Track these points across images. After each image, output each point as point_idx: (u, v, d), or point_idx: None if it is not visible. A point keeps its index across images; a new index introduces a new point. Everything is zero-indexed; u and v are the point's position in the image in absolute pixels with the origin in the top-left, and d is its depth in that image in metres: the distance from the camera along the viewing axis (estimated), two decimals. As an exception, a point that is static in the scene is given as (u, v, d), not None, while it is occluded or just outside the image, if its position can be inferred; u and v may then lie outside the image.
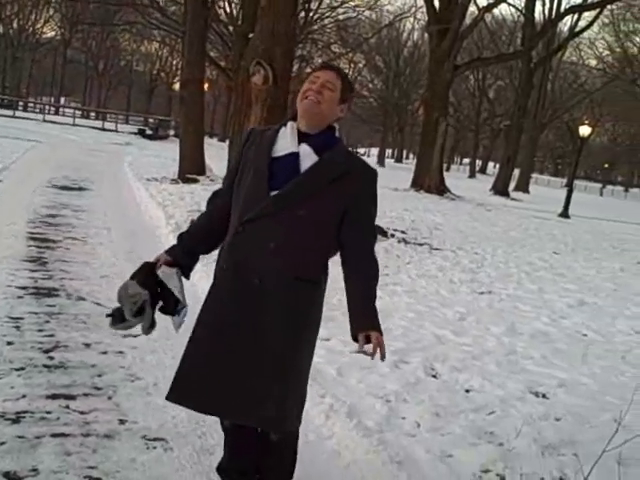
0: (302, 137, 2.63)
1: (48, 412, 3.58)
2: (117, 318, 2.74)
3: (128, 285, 2.71)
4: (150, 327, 2.76)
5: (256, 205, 2.57)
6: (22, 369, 4.07)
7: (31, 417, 3.50)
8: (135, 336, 4.39)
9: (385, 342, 2.47)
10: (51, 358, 4.32)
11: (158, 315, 2.80)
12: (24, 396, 3.72)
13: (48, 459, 3.12)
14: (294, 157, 2.59)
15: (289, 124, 2.69)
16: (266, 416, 2.57)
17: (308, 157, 2.59)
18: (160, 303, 2.75)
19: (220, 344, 2.59)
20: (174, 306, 2.72)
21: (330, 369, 4.51)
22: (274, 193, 2.56)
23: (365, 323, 2.51)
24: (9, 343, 4.45)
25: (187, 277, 2.83)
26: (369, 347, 2.44)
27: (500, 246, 12.52)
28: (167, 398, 2.66)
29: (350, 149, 2.87)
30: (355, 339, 2.50)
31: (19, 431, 3.33)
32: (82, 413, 3.62)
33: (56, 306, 5.40)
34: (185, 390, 2.63)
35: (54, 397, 3.77)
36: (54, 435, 3.35)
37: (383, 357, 2.46)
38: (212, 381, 2.59)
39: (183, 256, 2.81)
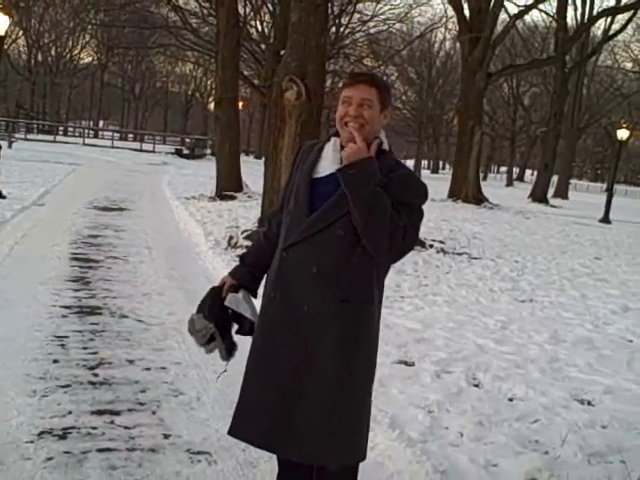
0: None
1: (94, 428, 3.64)
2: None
3: (194, 320, 2.71)
4: (228, 353, 2.74)
5: (296, 229, 2.50)
6: (68, 386, 4.15)
7: (77, 433, 3.56)
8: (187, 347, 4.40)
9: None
10: (96, 375, 4.39)
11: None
12: (70, 412, 3.79)
13: (94, 474, 3.17)
14: (335, 178, 2.43)
15: (332, 140, 2.56)
16: (319, 451, 2.45)
17: None
18: (235, 326, 2.75)
19: (272, 378, 2.51)
20: (250, 327, 2.69)
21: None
22: None
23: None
24: (55, 361, 4.55)
25: (255, 296, 2.77)
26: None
27: (540, 253, 12.38)
28: (229, 433, 2.62)
29: (400, 160, 2.67)
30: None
31: (66, 447, 3.40)
32: (127, 428, 3.68)
33: (99, 324, 5.50)
34: (243, 425, 2.56)
35: (99, 413, 3.83)
36: (100, 450, 3.40)
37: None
38: (266, 416, 2.50)
39: (248, 277, 2.76)
